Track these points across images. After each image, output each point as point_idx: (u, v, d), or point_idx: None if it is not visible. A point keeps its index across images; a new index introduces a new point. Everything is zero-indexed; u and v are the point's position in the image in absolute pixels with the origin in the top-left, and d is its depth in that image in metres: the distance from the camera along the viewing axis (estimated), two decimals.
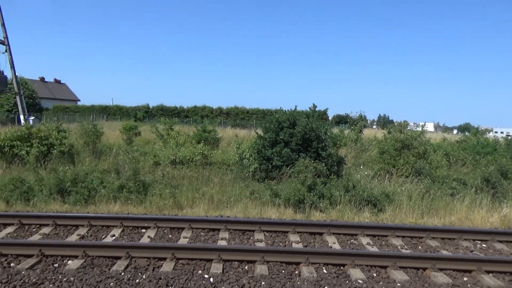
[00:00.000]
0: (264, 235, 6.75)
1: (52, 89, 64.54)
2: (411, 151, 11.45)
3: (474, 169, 12.13)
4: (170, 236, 6.65)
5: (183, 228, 6.89)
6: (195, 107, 49.76)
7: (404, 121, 13.77)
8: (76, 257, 5.39)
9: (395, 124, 14.57)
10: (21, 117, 24.69)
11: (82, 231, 6.68)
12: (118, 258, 5.40)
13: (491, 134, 42.19)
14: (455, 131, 79.90)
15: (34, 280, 4.69)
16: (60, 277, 4.81)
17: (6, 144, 11.60)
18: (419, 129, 12.63)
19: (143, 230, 6.83)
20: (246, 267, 5.35)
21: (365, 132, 20.64)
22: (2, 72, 23.88)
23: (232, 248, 5.62)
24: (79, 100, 67.55)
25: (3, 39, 23.39)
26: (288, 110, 11.84)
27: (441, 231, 7.11)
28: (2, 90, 25.48)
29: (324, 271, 5.32)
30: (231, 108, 49.26)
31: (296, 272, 5.27)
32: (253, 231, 6.86)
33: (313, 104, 16.01)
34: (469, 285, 5.07)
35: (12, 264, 5.22)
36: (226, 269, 5.24)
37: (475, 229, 7.34)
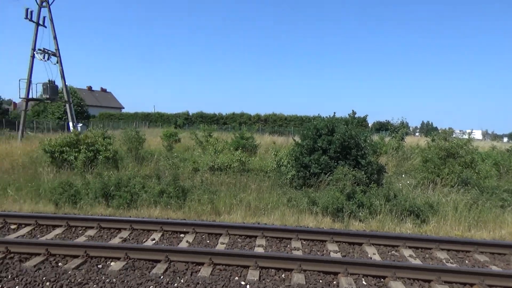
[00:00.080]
0: (302, 243, 6.67)
1: (99, 97, 68.13)
2: (456, 160, 10.94)
3: None
4: (208, 241, 6.73)
5: (220, 234, 6.95)
6: (233, 114, 50.50)
7: (449, 128, 13.15)
8: (118, 259, 5.59)
9: (440, 131, 13.96)
10: (70, 124, 26.08)
11: (125, 234, 6.93)
12: (158, 261, 5.53)
13: None
14: (505, 139, 75.19)
15: (79, 280, 4.90)
16: (103, 278, 5.00)
17: (57, 149, 12.28)
18: (466, 136, 12.10)
19: (182, 235, 6.97)
20: (283, 275, 5.29)
21: (407, 140, 20.04)
22: (54, 81, 25.43)
23: (269, 255, 5.58)
24: (123, 108, 70.80)
25: (55, 51, 25.00)
26: (326, 117, 11.73)
27: (491, 245, 6.67)
28: (53, 99, 27.13)
29: (364, 282, 5.15)
30: (269, 115, 49.52)
31: (334, 282, 5.15)
32: (290, 239, 6.80)
33: (352, 110, 15.83)
34: None
35: (59, 264, 5.50)
36: (263, 277, 5.22)
37: None
